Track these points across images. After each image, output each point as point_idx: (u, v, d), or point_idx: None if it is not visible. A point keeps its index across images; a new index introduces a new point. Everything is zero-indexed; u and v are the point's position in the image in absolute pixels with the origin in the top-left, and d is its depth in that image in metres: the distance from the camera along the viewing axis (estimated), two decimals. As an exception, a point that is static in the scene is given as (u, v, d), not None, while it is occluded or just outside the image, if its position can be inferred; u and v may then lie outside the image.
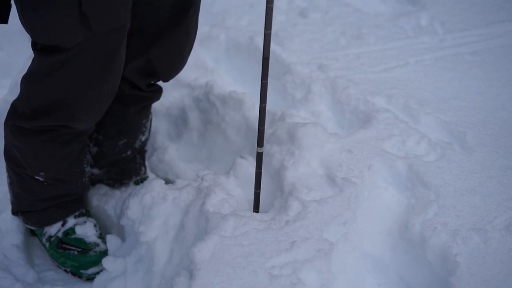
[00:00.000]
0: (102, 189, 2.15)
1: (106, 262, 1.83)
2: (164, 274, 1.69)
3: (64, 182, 1.91)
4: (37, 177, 1.87)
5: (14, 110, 1.79)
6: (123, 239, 1.96)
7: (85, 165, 1.96)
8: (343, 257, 1.63)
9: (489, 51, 2.60)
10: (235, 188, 1.84)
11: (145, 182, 1.89)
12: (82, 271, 1.96)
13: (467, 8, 2.97)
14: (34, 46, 1.62)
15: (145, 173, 2.23)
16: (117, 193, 2.12)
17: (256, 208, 1.71)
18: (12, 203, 1.98)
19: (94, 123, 1.82)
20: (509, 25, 2.81)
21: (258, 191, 1.69)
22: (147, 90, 1.94)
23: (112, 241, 1.95)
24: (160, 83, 2.00)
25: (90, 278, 1.95)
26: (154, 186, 1.83)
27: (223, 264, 1.49)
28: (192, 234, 1.68)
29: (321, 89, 2.29)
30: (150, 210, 1.78)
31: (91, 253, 1.95)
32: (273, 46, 2.60)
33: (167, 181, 2.18)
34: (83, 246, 1.96)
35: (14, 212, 1.99)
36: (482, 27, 2.80)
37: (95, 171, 2.13)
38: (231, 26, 2.86)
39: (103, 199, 2.12)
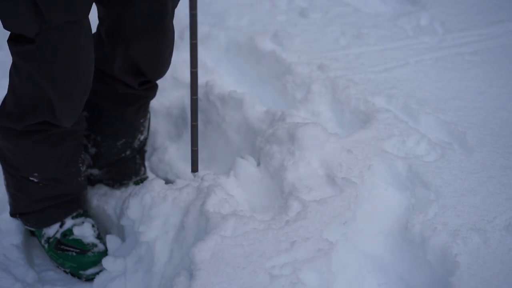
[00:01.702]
0: (102, 189, 2.15)
1: (106, 262, 1.83)
2: (164, 274, 1.69)
3: (60, 182, 1.91)
4: (31, 178, 1.87)
5: (3, 108, 1.78)
6: (123, 239, 1.96)
7: (80, 165, 1.95)
8: (343, 257, 1.63)
9: (489, 51, 2.60)
10: (235, 188, 1.84)
11: (145, 182, 1.89)
12: (81, 271, 1.95)
13: (467, 8, 2.97)
14: (9, 38, 1.63)
15: (144, 173, 2.23)
16: (117, 193, 2.12)
17: (194, 168, 1.64)
18: (10, 205, 1.98)
19: (75, 119, 1.78)
20: (509, 25, 2.81)
21: (195, 148, 1.62)
22: (140, 88, 1.93)
23: (112, 241, 1.95)
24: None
25: (90, 279, 1.95)
26: (154, 186, 1.83)
27: (223, 264, 1.49)
28: (192, 234, 1.68)
29: (321, 89, 2.29)
30: (150, 210, 1.78)
31: (90, 253, 1.95)
32: (273, 46, 2.60)
33: (167, 181, 2.18)
34: (81, 247, 1.96)
35: (12, 214, 1.99)
36: (482, 27, 2.80)
37: (95, 171, 2.12)
38: (231, 26, 2.85)
39: (103, 199, 2.12)
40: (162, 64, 1.88)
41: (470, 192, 1.76)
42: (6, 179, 1.93)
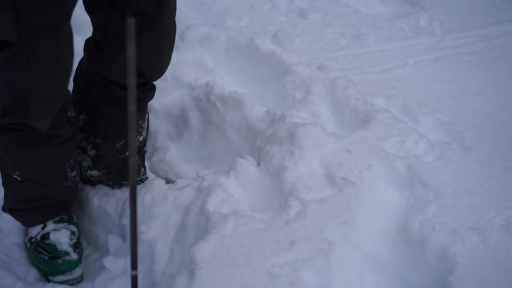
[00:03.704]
0: (103, 189, 2.15)
1: (107, 261, 1.84)
2: (164, 273, 1.69)
3: (41, 183, 1.89)
4: (14, 176, 1.86)
5: None
6: (124, 238, 1.97)
7: (69, 170, 1.94)
8: (343, 257, 1.64)
9: (487, 52, 2.61)
10: (235, 188, 1.85)
11: (146, 182, 1.89)
12: (50, 277, 1.94)
13: (466, 9, 2.98)
14: None
15: (144, 174, 2.22)
16: (118, 193, 2.12)
17: None
18: (3, 199, 1.99)
19: (48, 123, 1.74)
20: (507, 26, 2.82)
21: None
22: (138, 90, 1.91)
23: (113, 240, 1.95)
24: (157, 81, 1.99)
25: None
26: (154, 186, 1.84)
27: (223, 263, 1.49)
28: (192, 234, 1.69)
29: (320, 90, 2.30)
30: (151, 209, 1.79)
31: (59, 261, 1.93)
32: (273, 47, 2.61)
33: (168, 181, 2.18)
34: (54, 252, 1.93)
35: (3, 209, 1.99)
36: (480, 28, 2.80)
37: (94, 173, 2.12)
38: (231, 27, 2.86)
39: (104, 199, 2.12)
40: (160, 62, 1.86)
41: (469, 192, 1.77)
42: None
